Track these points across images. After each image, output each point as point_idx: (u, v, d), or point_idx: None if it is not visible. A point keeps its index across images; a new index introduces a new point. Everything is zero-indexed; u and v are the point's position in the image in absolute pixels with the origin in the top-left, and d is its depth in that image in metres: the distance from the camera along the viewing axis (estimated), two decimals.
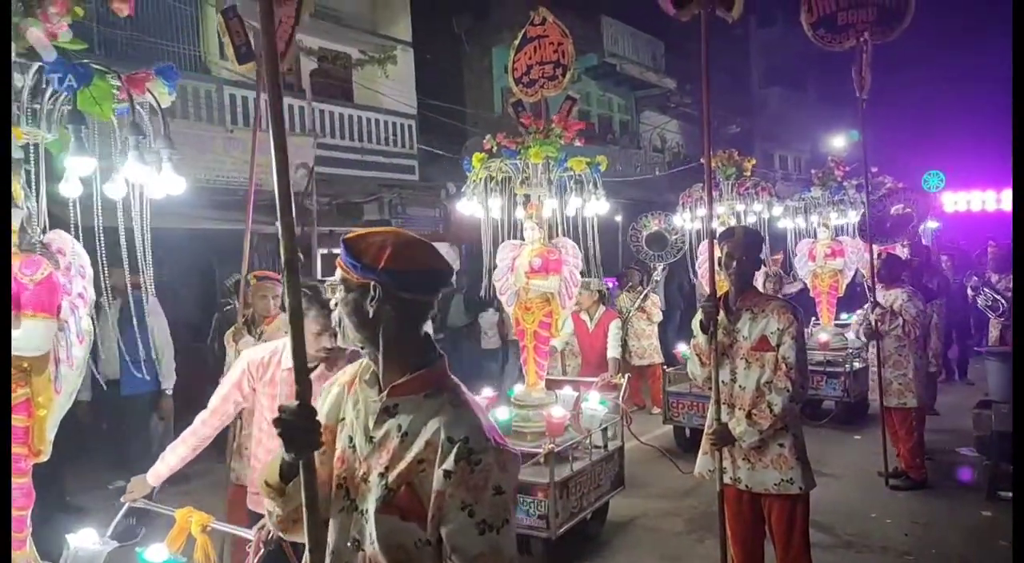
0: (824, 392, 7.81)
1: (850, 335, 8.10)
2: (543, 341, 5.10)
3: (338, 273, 1.68)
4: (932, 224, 11.86)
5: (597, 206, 5.14)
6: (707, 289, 8.41)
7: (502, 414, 4.92)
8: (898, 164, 14.07)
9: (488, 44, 15.86)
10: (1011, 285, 8.22)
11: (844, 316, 9.32)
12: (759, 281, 7.43)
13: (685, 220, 8.15)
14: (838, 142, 20.21)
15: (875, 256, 6.37)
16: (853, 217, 8.64)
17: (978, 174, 14.74)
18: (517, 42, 7.36)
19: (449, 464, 1.48)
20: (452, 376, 1.66)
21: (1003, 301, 8.06)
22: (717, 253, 3.54)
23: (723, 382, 3.50)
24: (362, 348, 1.66)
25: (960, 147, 23.71)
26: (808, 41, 6.27)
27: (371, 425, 1.60)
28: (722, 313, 3.51)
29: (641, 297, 9.00)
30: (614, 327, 6.45)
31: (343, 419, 1.68)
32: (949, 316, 9.38)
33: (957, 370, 10.23)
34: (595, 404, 5.13)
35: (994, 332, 8.32)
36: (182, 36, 10.57)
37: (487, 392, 5.27)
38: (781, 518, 3.47)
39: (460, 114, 14.69)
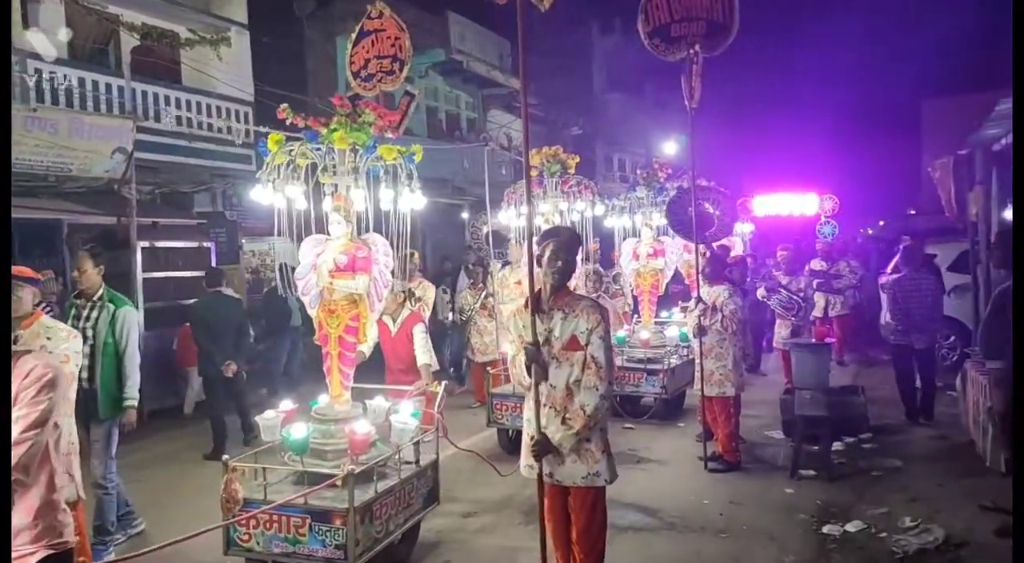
0: (644, 389, 7.98)
1: (668, 333, 8.52)
2: (349, 347, 4.64)
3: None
4: (747, 227, 12.73)
5: (412, 200, 4.72)
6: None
7: (298, 431, 4.31)
8: (720, 169, 15.12)
9: (332, 31, 15.37)
10: (802, 286, 9.08)
11: (664, 314, 9.71)
12: (578, 280, 7.53)
13: (511, 217, 7.88)
14: (670, 147, 21.47)
15: (700, 254, 6.75)
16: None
17: (785, 180, 16.13)
18: (354, 36, 7.17)
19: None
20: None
21: (799, 300, 8.89)
22: (539, 251, 3.55)
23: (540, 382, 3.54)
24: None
25: (769, 152, 26.05)
26: (645, 50, 6.57)
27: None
28: (536, 315, 3.52)
29: (483, 295, 9.04)
30: (419, 331, 5.89)
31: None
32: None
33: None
34: (406, 416, 4.64)
35: (783, 331, 9.14)
36: None
37: (285, 404, 4.73)
38: (585, 507, 3.60)
39: (302, 103, 14.13)
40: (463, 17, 17.69)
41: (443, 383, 5.59)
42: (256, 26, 12.65)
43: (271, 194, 4.50)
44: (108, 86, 10.03)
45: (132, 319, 4.91)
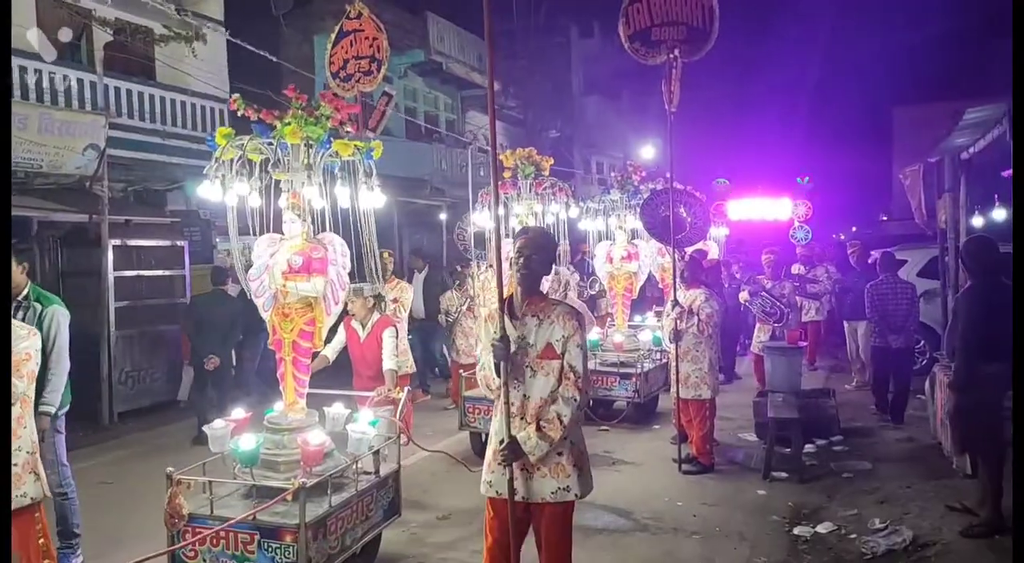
0: (617, 392, 7.95)
1: (642, 336, 8.51)
2: (303, 353, 4.42)
3: None
4: (722, 231, 12.81)
5: (371, 199, 4.50)
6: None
7: (246, 442, 4.04)
8: (695, 173, 15.22)
9: (310, 31, 15.28)
10: (784, 291, 9.20)
11: (638, 318, 9.71)
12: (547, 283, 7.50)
13: (486, 219, 7.70)
14: (648, 151, 21.60)
15: (679, 258, 6.77)
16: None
17: (761, 184, 16.26)
18: (333, 36, 7.13)
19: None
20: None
21: (782, 306, 9.00)
22: (509, 252, 3.42)
23: (510, 391, 3.28)
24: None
25: (742, 157, 26.35)
26: (624, 54, 6.59)
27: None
28: (507, 321, 3.27)
29: (469, 299, 8.88)
30: (388, 336, 5.67)
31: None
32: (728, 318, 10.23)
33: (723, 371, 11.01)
34: (364, 425, 4.45)
35: (762, 335, 9.26)
36: None
37: (237, 412, 4.49)
38: (553, 525, 3.35)
39: (277, 103, 14.02)
40: (442, 18, 17.66)
41: (407, 389, 5.50)
42: (232, 23, 12.53)
43: (219, 191, 4.25)
44: (80, 82, 9.88)
45: (62, 318, 4.56)
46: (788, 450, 6.37)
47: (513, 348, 3.23)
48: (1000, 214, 7.98)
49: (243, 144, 4.18)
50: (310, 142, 4.25)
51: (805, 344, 8.85)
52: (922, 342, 10.38)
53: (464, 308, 9.00)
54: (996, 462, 4.70)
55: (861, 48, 40.15)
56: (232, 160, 4.21)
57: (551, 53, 21.74)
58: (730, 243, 13.62)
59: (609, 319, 9.15)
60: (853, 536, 4.93)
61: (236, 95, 4.36)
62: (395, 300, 7.33)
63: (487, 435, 6.55)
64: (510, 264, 3.36)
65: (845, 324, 9.97)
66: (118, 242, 9.09)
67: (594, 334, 8.56)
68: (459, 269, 9.61)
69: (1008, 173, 5.58)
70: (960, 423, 5.02)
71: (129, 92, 10.61)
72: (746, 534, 5.07)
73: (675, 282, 6.61)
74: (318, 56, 14.90)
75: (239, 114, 4.31)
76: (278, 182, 4.38)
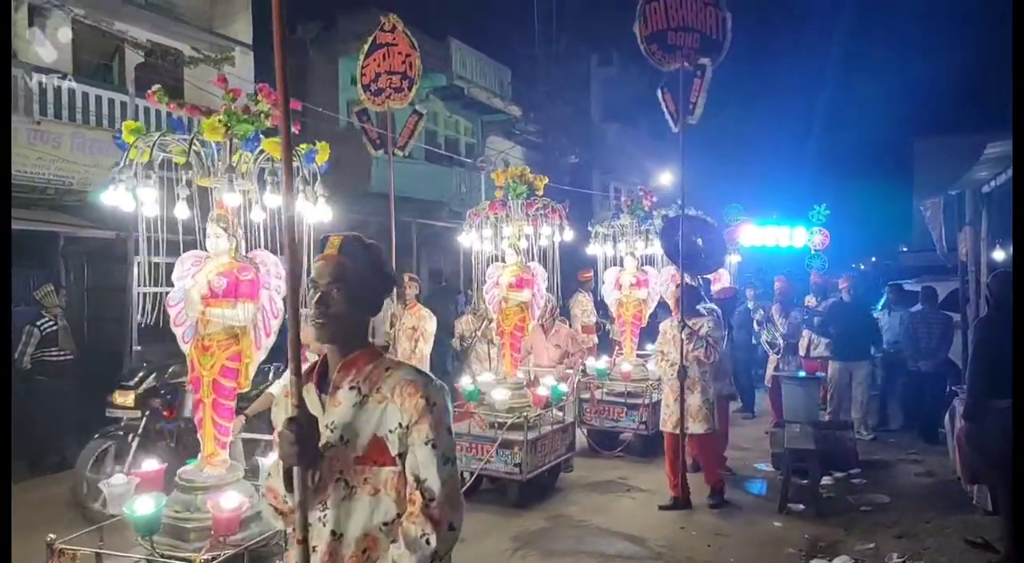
0: (623, 424, 7.69)
1: (650, 366, 7.79)
2: (226, 395, 3.71)
3: None
4: (734, 258, 12.63)
5: (318, 211, 3.82)
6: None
7: (143, 506, 3.24)
8: (711, 199, 15.12)
9: (335, 54, 15.54)
10: (791, 320, 9.08)
11: (649, 347, 9.51)
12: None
13: (472, 241, 6.96)
14: (666, 178, 21.65)
15: (675, 285, 6.39)
16: (659, 248, 8.43)
17: (774, 210, 16.12)
18: (367, 47, 7.08)
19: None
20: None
21: (780, 338, 8.93)
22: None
23: (310, 522, 1.90)
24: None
25: (759, 183, 26.30)
26: (641, 80, 6.58)
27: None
28: (313, 396, 1.96)
29: (485, 323, 8.47)
30: None
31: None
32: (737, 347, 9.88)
33: (743, 401, 10.26)
34: None
35: (771, 368, 9.13)
36: None
37: (149, 464, 3.78)
38: None
39: (302, 125, 14.25)
40: (465, 44, 17.93)
41: None
42: (259, 46, 12.80)
43: (126, 198, 3.57)
44: (111, 102, 10.11)
45: None
46: (805, 482, 6.30)
47: (321, 441, 1.89)
48: None
49: (154, 142, 3.55)
50: (233, 140, 3.61)
51: (824, 375, 8.72)
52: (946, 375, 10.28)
53: (479, 332, 8.75)
54: (1012, 496, 4.64)
55: (884, 80, 40.17)
56: (145, 162, 3.57)
57: (571, 80, 21.93)
58: (747, 270, 13.49)
59: (617, 347, 8.83)
60: None
61: (157, 86, 3.80)
62: (413, 328, 7.08)
63: (470, 474, 5.96)
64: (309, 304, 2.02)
65: (838, 365, 8.56)
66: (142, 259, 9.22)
67: (602, 363, 8.35)
68: (471, 293, 9.35)
69: None
70: (970, 452, 4.97)
71: (158, 112, 10.84)
72: None
73: (681, 308, 6.18)
74: (342, 78, 15.17)
75: (159, 98, 3.76)
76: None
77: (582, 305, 10.96)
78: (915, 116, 30.90)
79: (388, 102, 6.97)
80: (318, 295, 1.94)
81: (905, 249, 23.34)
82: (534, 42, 20.51)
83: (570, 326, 9.46)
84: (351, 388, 1.94)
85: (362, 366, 1.96)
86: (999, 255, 7.52)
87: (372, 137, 7.56)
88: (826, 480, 6.72)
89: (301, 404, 1.88)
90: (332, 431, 1.92)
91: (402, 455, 1.88)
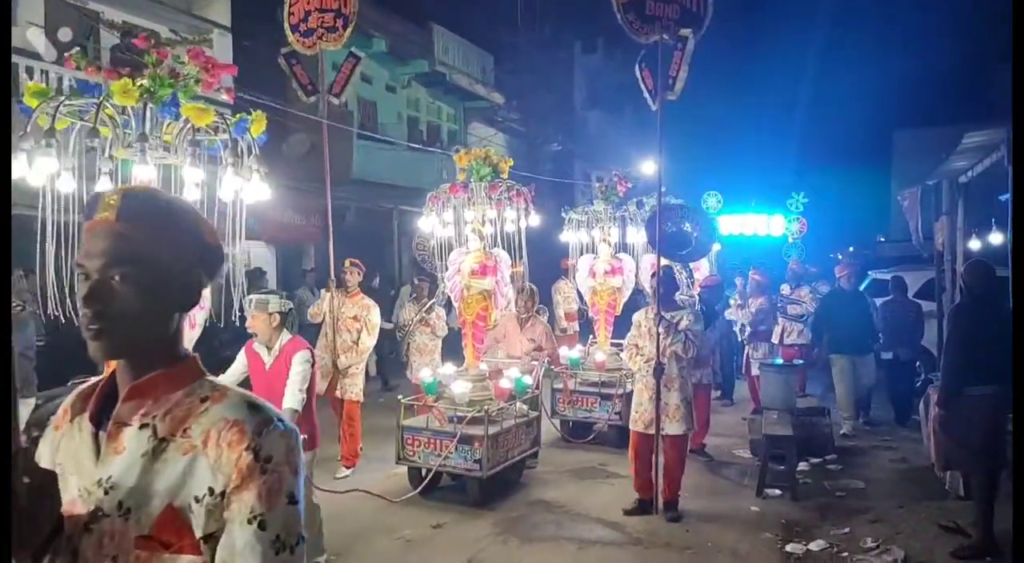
0: (597, 414, 7.50)
1: (624, 357, 7.10)
2: None
3: None
4: (714, 247, 12.58)
5: (252, 189, 3.42)
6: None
7: None
8: (688, 186, 15.16)
9: None
10: (752, 312, 9.17)
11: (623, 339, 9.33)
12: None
13: (433, 225, 6.52)
14: (647, 167, 21.68)
15: (651, 274, 6.10)
16: (635, 235, 8.44)
17: (753, 198, 16.13)
18: None
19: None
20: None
21: (748, 326, 9.11)
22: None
23: None
24: None
25: (737, 172, 26.45)
26: (625, 68, 6.45)
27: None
28: (86, 428, 1.30)
29: (425, 308, 8.22)
30: (299, 361, 4.40)
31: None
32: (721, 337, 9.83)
33: (723, 389, 10.30)
34: None
35: (758, 353, 9.18)
36: None
37: None
38: None
39: (280, 110, 14.07)
40: (447, 30, 17.80)
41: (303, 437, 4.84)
42: (237, 28, 12.60)
43: (24, 168, 3.18)
44: (85, 83, 9.91)
45: None
46: (782, 467, 6.38)
47: (89, 506, 1.24)
48: (997, 238, 8.04)
49: (56, 106, 3.22)
50: (149, 104, 3.26)
51: (801, 362, 8.81)
52: (917, 363, 10.43)
53: (418, 320, 8.27)
54: (985, 482, 4.72)
55: (863, 71, 40.53)
56: (56, 129, 3.23)
57: (555, 67, 21.86)
58: (733, 260, 13.52)
59: (592, 336, 8.58)
60: (845, 555, 4.93)
61: (76, 49, 3.53)
62: (355, 318, 6.61)
63: (427, 470, 5.68)
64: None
65: (843, 361, 8.21)
66: None
67: (575, 352, 8.14)
68: (417, 282, 8.95)
69: (1006, 198, 5.61)
70: (944, 439, 5.06)
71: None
72: (739, 550, 5.07)
73: (657, 298, 5.68)
74: (321, 60, 14.96)
75: (72, 55, 3.55)
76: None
77: (564, 292, 10.98)
78: (894, 107, 31.23)
79: (320, 43, 6.13)
80: (88, 286, 1.23)
81: (882, 239, 23.60)
82: (517, 29, 20.41)
83: (551, 314, 9.42)
84: (142, 427, 1.23)
85: (162, 393, 1.26)
86: (975, 245, 7.62)
87: (304, 83, 6.73)
88: (802, 466, 6.80)
89: (25, 453, 1.18)
90: (107, 492, 1.22)
91: (212, 537, 1.18)
